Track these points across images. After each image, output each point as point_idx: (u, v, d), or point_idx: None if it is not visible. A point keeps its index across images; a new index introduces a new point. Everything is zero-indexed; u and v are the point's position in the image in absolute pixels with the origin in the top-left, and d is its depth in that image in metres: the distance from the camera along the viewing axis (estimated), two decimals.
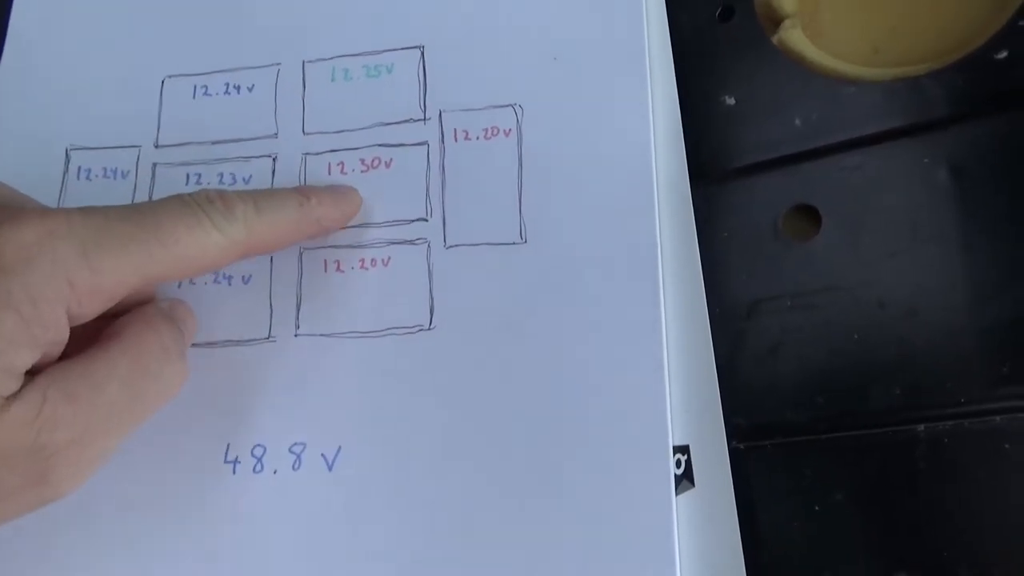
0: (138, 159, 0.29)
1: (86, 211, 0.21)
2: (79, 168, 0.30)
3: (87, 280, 0.20)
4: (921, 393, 0.23)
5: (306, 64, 0.29)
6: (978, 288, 0.23)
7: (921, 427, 0.23)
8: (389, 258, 0.27)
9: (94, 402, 0.21)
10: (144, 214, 0.21)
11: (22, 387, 0.19)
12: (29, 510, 0.21)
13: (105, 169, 0.29)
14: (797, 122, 0.26)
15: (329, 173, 0.28)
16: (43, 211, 0.21)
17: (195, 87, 0.30)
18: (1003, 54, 0.24)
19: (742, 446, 0.25)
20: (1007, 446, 0.23)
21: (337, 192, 0.27)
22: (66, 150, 0.30)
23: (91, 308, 0.21)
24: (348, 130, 0.28)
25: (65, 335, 0.21)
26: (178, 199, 0.22)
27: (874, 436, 0.24)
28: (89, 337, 0.22)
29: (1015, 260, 0.23)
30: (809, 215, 0.26)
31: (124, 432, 0.22)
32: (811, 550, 0.24)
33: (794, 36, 0.27)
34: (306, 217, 0.25)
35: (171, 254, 0.21)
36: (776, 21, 0.28)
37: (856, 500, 0.24)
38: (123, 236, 0.21)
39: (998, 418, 0.23)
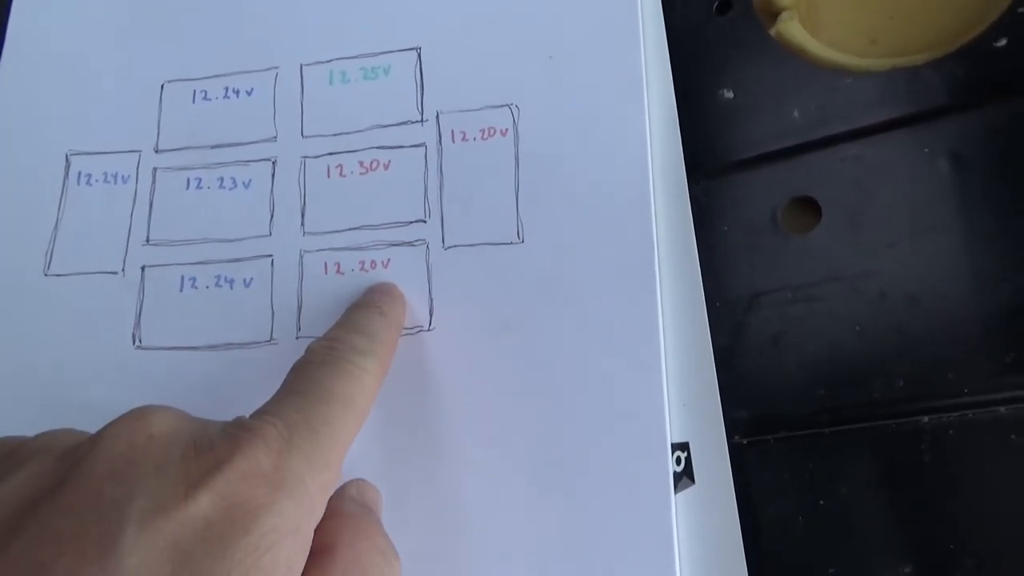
0: (138, 164, 0.30)
1: (278, 415, 0.19)
2: (79, 173, 0.30)
3: (322, 481, 0.19)
4: (924, 384, 0.23)
5: (304, 67, 0.29)
6: (980, 277, 0.23)
7: (925, 419, 0.23)
8: (389, 260, 0.27)
9: None
10: (313, 392, 0.21)
11: None
12: None
13: (105, 174, 0.30)
14: (796, 114, 0.26)
15: (328, 176, 0.28)
16: (253, 433, 0.19)
17: (194, 91, 0.30)
18: (1003, 42, 0.24)
19: (744, 441, 0.25)
20: (1012, 436, 0.22)
21: (389, 292, 0.26)
22: (66, 155, 0.30)
23: (324, 507, 0.20)
24: (346, 132, 0.28)
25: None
26: (317, 358, 0.22)
27: (878, 428, 0.24)
28: None
29: (1016, 248, 0.23)
30: (808, 207, 0.25)
31: None
32: (815, 545, 0.24)
33: (792, 28, 0.27)
34: (392, 325, 0.25)
35: (355, 411, 0.21)
36: (773, 13, 0.28)
37: (860, 494, 0.23)
38: (320, 420, 0.20)
39: (1003, 408, 0.23)
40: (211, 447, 0.18)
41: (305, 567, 0.18)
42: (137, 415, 0.19)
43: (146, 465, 0.17)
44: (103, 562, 0.15)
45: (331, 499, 0.21)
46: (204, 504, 0.17)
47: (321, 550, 0.20)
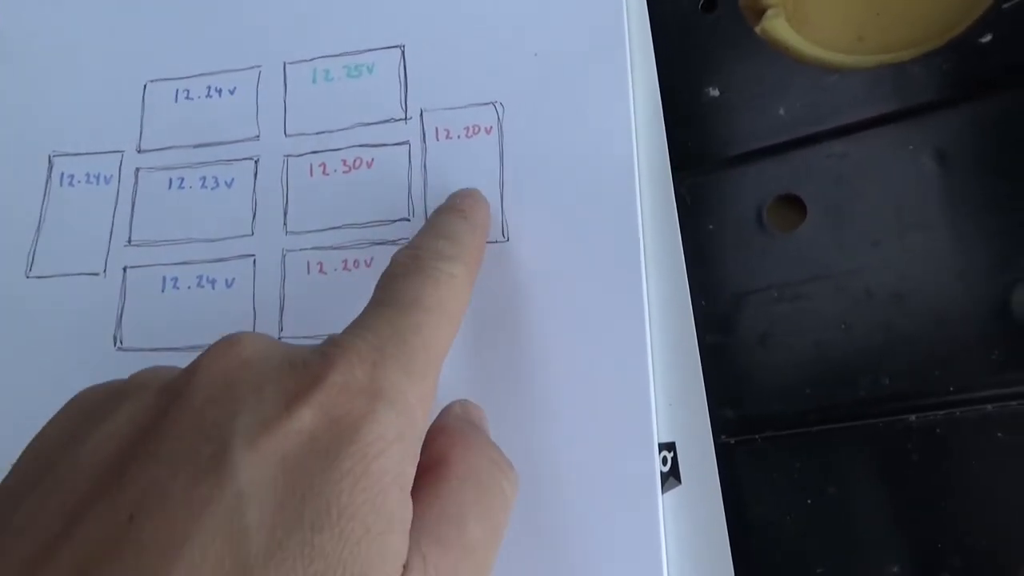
0: (121, 164, 0.29)
1: (369, 328, 0.19)
2: (62, 174, 0.30)
3: (420, 390, 0.19)
4: (911, 382, 0.23)
5: (287, 65, 0.29)
6: (966, 274, 0.23)
7: (912, 417, 0.23)
8: (372, 259, 0.27)
9: (463, 544, 0.18)
10: (400, 301, 0.20)
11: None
12: None
13: (88, 175, 0.29)
14: (781, 112, 0.26)
15: (311, 175, 0.28)
16: (345, 348, 0.18)
17: (177, 91, 0.30)
18: (987, 38, 0.24)
19: (731, 440, 0.24)
20: (1000, 435, 0.22)
21: (471, 195, 0.26)
22: (49, 156, 0.30)
23: (427, 420, 0.19)
24: (329, 131, 0.28)
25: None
26: (402, 269, 0.21)
27: (865, 427, 0.23)
28: None
29: (1002, 245, 0.23)
30: (794, 205, 0.25)
31: (492, 564, 0.19)
32: (803, 545, 0.23)
33: (777, 25, 0.27)
34: (477, 228, 0.24)
35: (446, 317, 0.20)
36: (759, 11, 0.28)
37: (848, 493, 0.23)
38: (411, 329, 0.19)
39: (990, 406, 0.22)
40: (305, 365, 0.18)
41: (420, 481, 0.18)
42: (229, 342, 0.18)
43: (244, 387, 0.17)
44: (219, 477, 0.15)
45: (438, 418, 0.21)
46: (306, 418, 0.16)
47: (434, 464, 0.19)
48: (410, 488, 0.17)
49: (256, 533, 0.15)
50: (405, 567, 0.16)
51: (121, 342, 0.28)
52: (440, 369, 0.20)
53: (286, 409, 0.16)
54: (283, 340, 0.26)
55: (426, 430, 0.19)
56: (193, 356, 0.26)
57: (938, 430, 0.23)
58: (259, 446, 0.16)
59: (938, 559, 0.22)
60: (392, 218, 0.27)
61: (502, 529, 0.20)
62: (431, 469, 0.19)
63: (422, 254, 0.22)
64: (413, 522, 0.17)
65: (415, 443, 0.18)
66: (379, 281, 0.22)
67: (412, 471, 0.18)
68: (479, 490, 0.20)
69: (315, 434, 0.16)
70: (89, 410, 0.18)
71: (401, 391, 0.18)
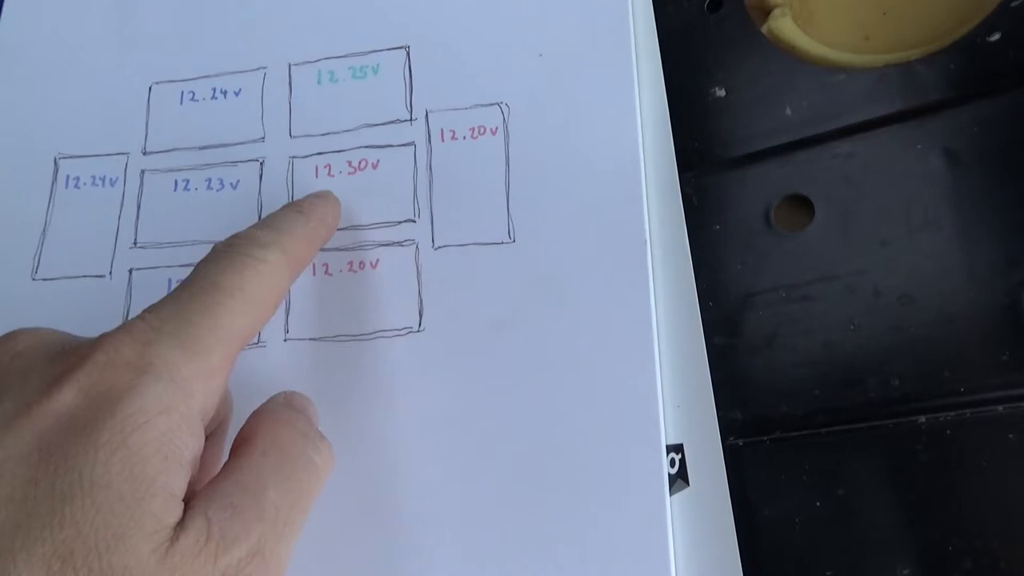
0: (126, 166, 0.29)
1: (153, 310, 0.20)
2: (67, 177, 0.30)
3: (199, 366, 0.19)
4: (920, 383, 0.23)
5: (292, 67, 0.29)
6: (975, 274, 0.23)
7: (922, 419, 0.23)
8: (378, 260, 0.27)
9: (259, 509, 0.19)
10: (196, 284, 0.21)
11: (184, 515, 0.18)
12: None
13: (93, 177, 0.29)
14: (788, 112, 0.26)
15: (316, 176, 0.28)
16: (119, 329, 0.19)
17: (182, 93, 0.30)
18: (996, 36, 0.24)
19: (740, 442, 0.24)
20: (1011, 436, 0.22)
21: (319, 195, 0.26)
22: (54, 159, 0.30)
23: (212, 397, 0.20)
24: (334, 132, 0.28)
25: (202, 443, 0.19)
26: (211, 255, 0.22)
27: (874, 429, 0.23)
28: (212, 463, 0.22)
29: (1012, 245, 0.23)
30: (802, 205, 0.25)
31: (296, 533, 0.20)
32: (811, 547, 0.23)
33: (784, 25, 0.27)
34: (313, 221, 0.25)
35: (244, 300, 0.21)
36: (765, 10, 0.28)
37: (857, 495, 0.23)
38: (198, 309, 0.20)
39: (1000, 407, 0.22)
40: (76, 349, 0.19)
41: (228, 464, 0.20)
42: (3, 338, 0.20)
43: (11, 376, 0.18)
44: None
45: (258, 410, 0.22)
46: (68, 397, 0.18)
47: (241, 441, 0.21)
48: (187, 457, 0.18)
49: (5, 507, 0.16)
50: (182, 528, 0.17)
51: None
52: (235, 350, 0.21)
53: (47, 391, 0.18)
54: (288, 341, 0.26)
55: (212, 405, 0.20)
56: None
57: (948, 431, 0.23)
58: (16, 428, 0.17)
59: (949, 561, 0.22)
60: (398, 219, 0.27)
61: (307, 496, 0.21)
62: (239, 445, 0.21)
63: (236, 242, 0.22)
64: (206, 490, 0.19)
65: (190, 416, 0.19)
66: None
67: (187, 442, 0.18)
68: (282, 459, 0.20)
69: (75, 411, 0.17)
70: None
71: (173, 366, 0.19)
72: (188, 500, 0.18)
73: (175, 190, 0.29)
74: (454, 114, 0.27)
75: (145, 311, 0.20)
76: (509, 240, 0.26)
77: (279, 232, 0.23)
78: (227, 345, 0.20)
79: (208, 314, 0.20)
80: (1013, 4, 0.24)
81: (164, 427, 0.18)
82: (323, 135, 0.28)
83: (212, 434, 0.22)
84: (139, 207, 0.29)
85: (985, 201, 0.23)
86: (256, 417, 0.22)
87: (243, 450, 0.20)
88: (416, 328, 0.26)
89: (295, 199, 0.27)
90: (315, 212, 0.25)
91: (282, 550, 0.19)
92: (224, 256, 0.22)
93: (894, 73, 0.25)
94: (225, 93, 0.29)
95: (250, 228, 0.23)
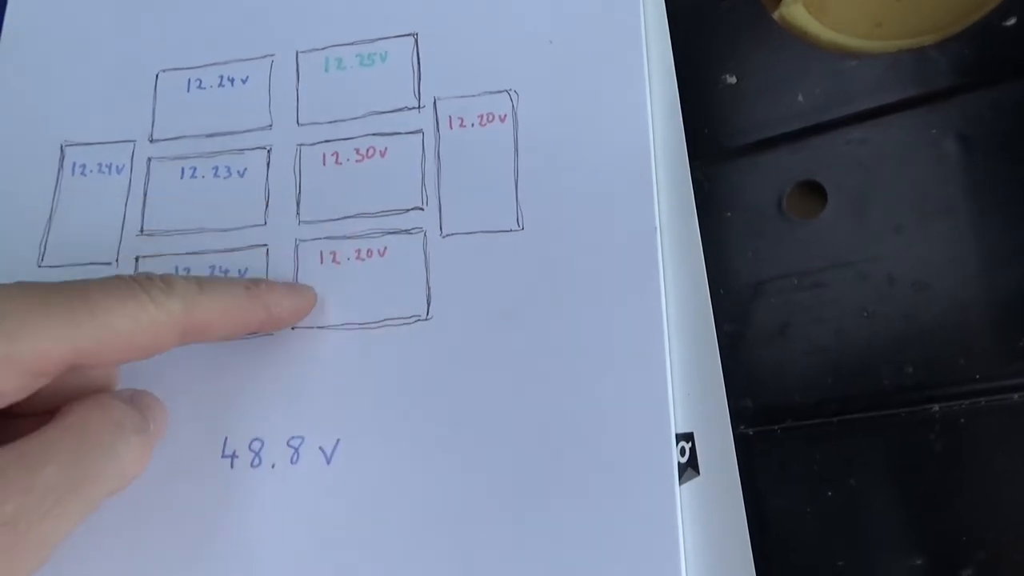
0: (133, 154, 0.29)
1: (17, 284, 0.20)
2: (74, 164, 0.29)
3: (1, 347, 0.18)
4: (934, 371, 0.23)
5: (300, 54, 0.29)
6: (989, 260, 0.23)
7: (936, 407, 0.23)
8: (385, 248, 0.27)
9: (28, 484, 0.18)
10: (72, 285, 0.20)
11: None
12: None
13: (100, 164, 0.29)
14: (800, 98, 0.26)
15: (324, 164, 0.28)
16: None
17: (189, 80, 0.29)
18: (1012, 21, 0.24)
19: (751, 431, 0.24)
20: None
21: (290, 284, 0.26)
22: (61, 146, 0.30)
23: (12, 383, 0.19)
24: (342, 120, 0.28)
25: None
26: (115, 276, 0.21)
27: (887, 417, 0.23)
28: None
29: None
30: (814, 192, 0.25)
31: (71, 517, 0.19)
32: (823, 537, 0.23)
33: (795, 11, 0.27)
34: (253, 301, 0.24)
35: (100, 324, 0.20)
36: None
37: (870, 484, 0.23)
38: (43, 304, 0.19)
39: (1015, 395, 0.22)
40: None
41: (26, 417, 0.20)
42: None
43: None
44: None
45: (93, 393, 0.21)
46: None
47: (52, 420, 0.20)
48: None
49: None
50: None
51: None
52: (57, 362, 0.19)
53: None
54: (296, 329, 0.26)
55: (7, 390, 0.19)
56: (206, 347, 0.27)
57: (962, 420, 0.22)
58: None
59: (962, 552, 0.22)
60: (406, 207, 0.27)
61: (96, 485, 0.20)
62: (50, 420, 0.20)
63: (152, 276, 0.22)
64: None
65: None
66: None
67: None
68: (80, 441, 0.20)
69: None
70: None
71: None
72: None
73: (182, 178, 0.29)
74: (463, 101, 0.27)
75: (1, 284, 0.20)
76: (518, 228, 0.26)
77: (201, 290, 0.22)
78: (51, 351, 0.19)
79: (53, 316, 0.19)
80: None
81: None
82: (331, 123, 0.28)
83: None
84: (145, 195, 0.29)
85: (999, 187, 0.23)
86: (81, 400, 0.21)
87: (46, 426, 0.20)
88: (424, 316, 0.26)
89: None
90: (263, 296, 0.24)
91: (45, 530, 0.19)
92: (123, 279, 0.21)
93: (907, 59, 0.25)
94: (232, 80, 0.29)
95: (182, 276, 0.23)
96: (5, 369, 0.19)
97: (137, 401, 0.23)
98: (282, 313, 0.25)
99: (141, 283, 0.21)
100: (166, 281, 0.22)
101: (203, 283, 0.23)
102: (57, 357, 0.19)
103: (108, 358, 0.21)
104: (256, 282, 0.25)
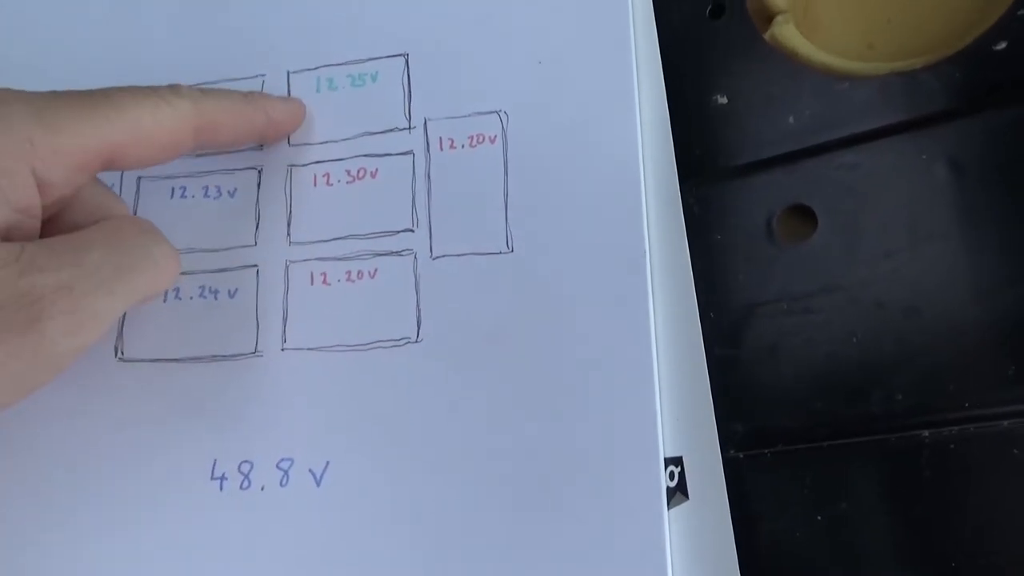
0: (123, 174, 0.29)
1: (29, 92, 0.22)
2: None
3: (46, 139, 0.20)
4: (924, 396, 0.23)
5: (291, 75, 0.29)
6: (980, 286, 0.22)
7: (926, 433, 0.22)
8: (376, 270, 0.26)
9: (79, 260, 0.21)
10: (96, 90, 0.23)
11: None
12: (24, 366, 0.20)
13: None
14: (791, 120, 0.26)
15: (315, 184, 0.28)
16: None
17: None
18: (1002, 45, 0.24)
19: (741, 455, 0.24)
20: (1015, 451, 0.22)
21: (282, 96, 0.28)
22: None
23: (57, 174, 0.21)
24: (333, 141, 0.28)
25: (36, 201, 0.21)
26: (131, 86, 0.24)
27: (877, 443, 0.23)
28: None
29: (1017, 257, 0.22)
30: (804, 215, 0.25)
31: (119, 298, 0.21)
32: (813, 562, 0.23)
33: (787, 32, 0.27)
34: (252, 104, 0.26)
35: (126, 120, 0.22)
36: (768, 17, 0.27)
37: (860, 509, 0.23)
38: (76, 102, 0.22)
39: (1005, 422, 0.22)
40: None
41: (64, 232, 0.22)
42: None
43: None
44: None
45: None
46: None
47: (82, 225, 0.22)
48: (11, 199, 0.20)
49: None
50: None
51: (122, 353, 0.27)
52: (96, 156, 0.22)
53: None
54: (286, 351, 0.26)
55: (56, 180, 0.21)
56: (195, 367, 0.27)
57: (952, 446, 0.22)
58: None
59: None
60: (396, 229, 0.27)
61: (136, 275, 0.22)
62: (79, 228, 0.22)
63: (158, 86, 0.24)
64: (31, 241, 0.20)
65: (20, 170, 0.20)
66: None
67: (14, 184, 0.20)
68: (119, 238, 0.22)
69: None
70: None
71: (24, 129, 0.20)
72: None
73: (172, 197, 0.28)
74: (453, 122, 0.27)
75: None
76: (507, 250, 0.26)
77: (204, 94, 0.25)
78: (89, 143, 0.21)
79: (86, 112, 0.21)
80: (1020, 12, 0.24)
81: None
82: (322, 143, 0.28)
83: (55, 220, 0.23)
84: (135, 214, 0.29)
85: (991, 212, 0.23)
86: (109, 218, 0.23)
87: (88, 228, 0.22)
88: (414, 339, 0.26)
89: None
90: (260, 101, 0.26)
91: (98, 304, 0.21)
92: (136, 87, 0.23)
93: (898, 81, 0.25)
94: None
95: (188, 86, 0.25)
96: (53, 160, 0.21)
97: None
98: (279, 117, 0.27)
99: (154, 88, 0.24)
100: (173, 87, 0.24)
101: (205, 89, 0.25)
102: (95, 150, 0.22)
103: (137, 155, 0.23)
104: (252, 91, 0.27)
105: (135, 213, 0.29)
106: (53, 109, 0.21)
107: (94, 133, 0.22)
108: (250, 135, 0.27)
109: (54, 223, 0.23)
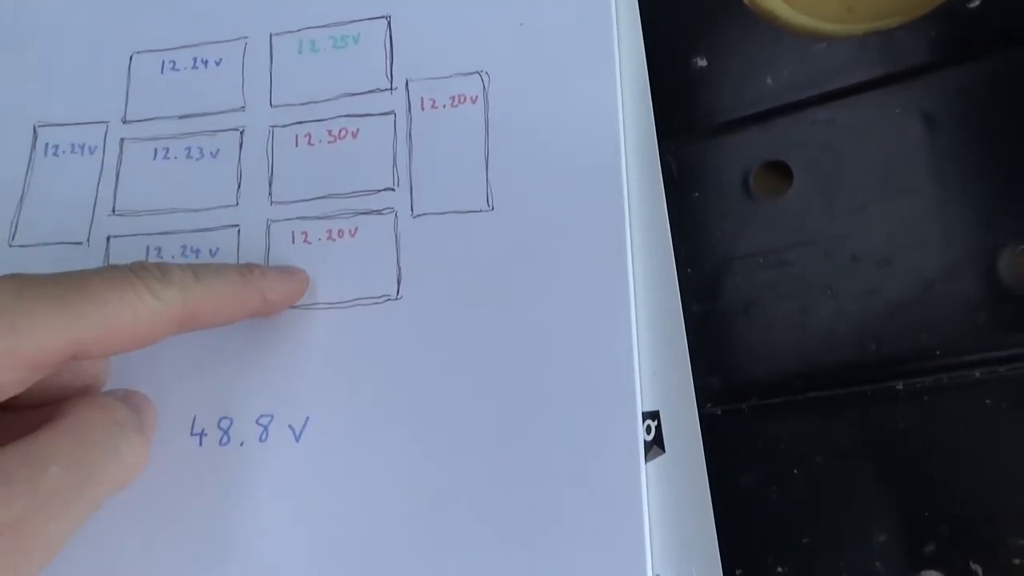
0: (106, 134, 0.29)
1: (20, 276, 0.19)
2: (46, 144, 0.29)
3: (2, 341, 0.18)
4: (898, 348, 0.23)
5: (273, 36, 0.29)
6: (953, 238, 0.23)
7: (900, 384, 0.23)
8: (356, 228, 0.27)
9: (34, 484, 0.18)
10: (70, 276, 0.20)
11: None
12: None
13: (73, 145, 0.29)
14: (769, 81, 0.26)
15: (296, 145, 0.28)
16: None
17: (163, 62, 0.30)
18: (975, 3, 0.24)
19: (718, 410, 0.24)
20: (987, 401, 0.22)
21: (283, 268, 0.26)
22: (34, 127, 0.30)
23: (12, 375, 0.19)
24: (315, 101, 0.28)
25: None
26: (110, 266, 0.21)
27: (852, 395, 0.23)
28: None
29: (989, 208, 0.22)
30: (781, 171, 0.25)
31: (76, 517, 0.19)
32: (788, 514, 0.23)
33: None
34: (248, 288, 0.24)
35: (100, 315, 0.20)
36: None
37: (835, 461, 0.23)
38: (44, 295, 0.19)
39: (977, 372, 0.22)
40: None
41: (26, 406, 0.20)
42: None
43: None
44: None
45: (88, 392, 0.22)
46: None
47: (51, 416, 0.20)
48: None
49: None
50: None
51: None
52: (57, 354, 0.19)
53: None
54: None
55: (8, 382, 0.19)
56: None
57: (925, 397, 0.22)
58: None
59: (925, 528, 0.22)
60: (377, 188, 0.27)
61: (98, 484, 0.20)
62: (47, 420, 0.20)
63: (147, 265, 0.21)
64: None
65: None
66: None
67: None
68: (81, 440, 0.20)
69: None
70: None
71: None
72: None
73: (154, 159, 0.29)
74: (434, 83, 0.27)
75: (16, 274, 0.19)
76: (488, 208, 0.26)
77: (197, 279, 0.22)
78: (54, 345, 0.19)
79: (53, 308, 0.19)
80: None
81: None
82: (303, 104, 0.28)
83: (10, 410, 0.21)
84: (118, 175, 0.29)
85: (963, 165, 0.23)
86: (79, 397, 0.21)
87: (48, 425, 0.20)
88: (394, 296, 0.26)
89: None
90: (258, 283, 0.24)
91: (50, 531, 0.19)
92: (119, 270, 0.21)
93: (874, 40, 0.25)
94: (206, 62, 0.29)
95: (176, 263, 0.22)
96: (6, 362, 0.19)
97: (129, 400, 0.22)
98: (276, 298, 0.25)
99: (138, 274, 0.21)
100: (162, 271, 0.21)
101: (198, 271, 0.22)
102: (58, 350, 0.19)
103: (107, 350, 0.20)
104: (250, 268, 0.25)
105: (117, 176, 0.29)
106: (15, 304, 0.19)
107: (60, 334, 0.19)
108: (241, 317, 0.25)
109: (14, 401, 0.20)
